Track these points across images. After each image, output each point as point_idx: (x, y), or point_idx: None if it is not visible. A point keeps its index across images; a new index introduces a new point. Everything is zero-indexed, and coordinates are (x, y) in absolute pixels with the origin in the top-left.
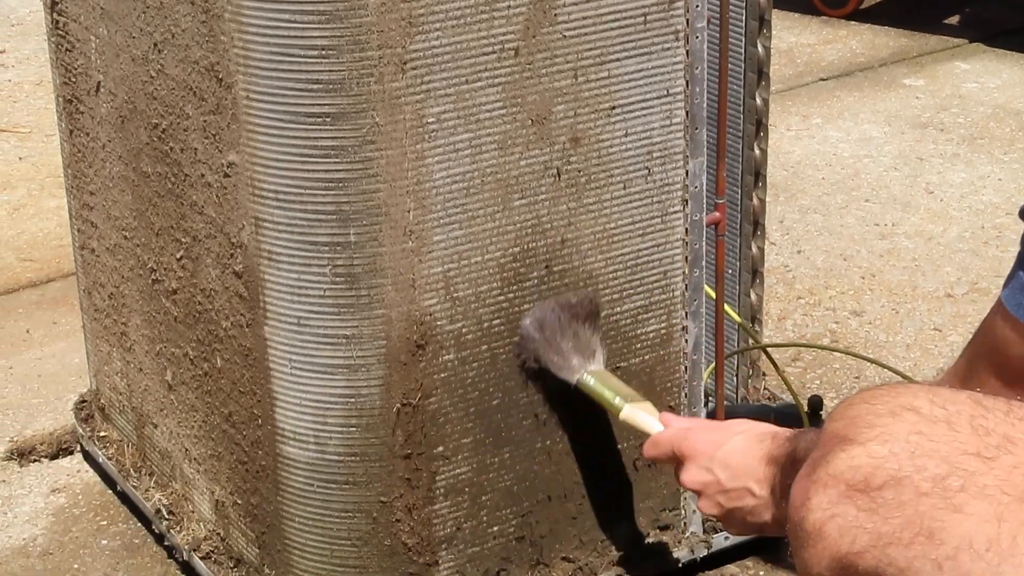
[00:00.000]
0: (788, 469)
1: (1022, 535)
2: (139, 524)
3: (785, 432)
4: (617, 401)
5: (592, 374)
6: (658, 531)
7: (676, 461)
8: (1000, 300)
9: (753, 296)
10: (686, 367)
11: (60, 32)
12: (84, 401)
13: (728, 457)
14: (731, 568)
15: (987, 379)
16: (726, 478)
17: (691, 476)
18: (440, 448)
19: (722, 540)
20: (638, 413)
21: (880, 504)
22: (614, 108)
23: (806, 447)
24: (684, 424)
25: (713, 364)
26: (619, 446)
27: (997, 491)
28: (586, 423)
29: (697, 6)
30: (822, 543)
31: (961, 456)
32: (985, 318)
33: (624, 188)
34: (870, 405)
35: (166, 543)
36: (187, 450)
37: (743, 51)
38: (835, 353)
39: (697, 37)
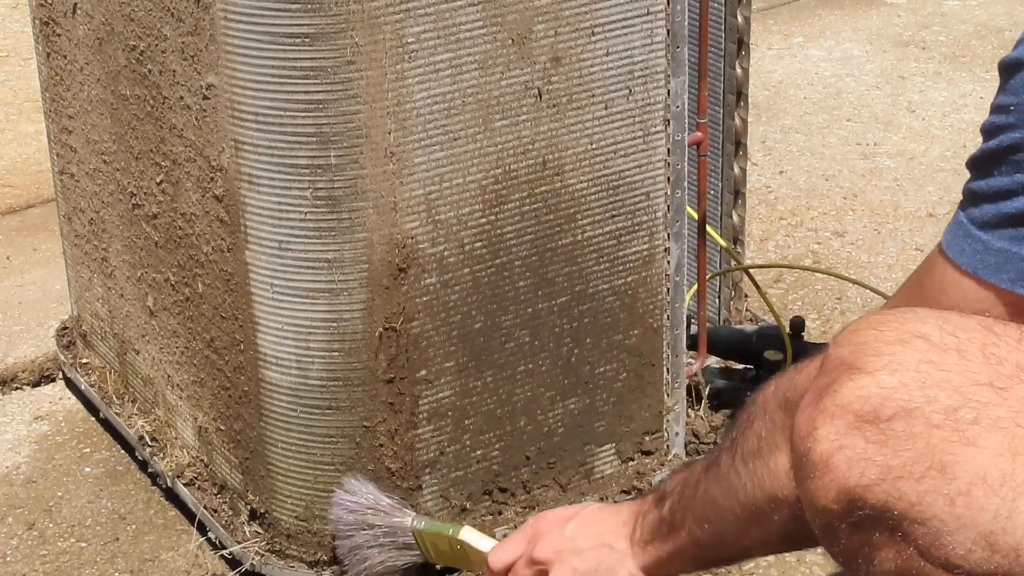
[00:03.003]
0: (653, 507)
1: None
2: (122, 451)
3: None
4: (452, 529)
5: (421, 519)
6: (640, 455)
7: (529, 546)
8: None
9: (735, 217)
10: (668, 289)
11: None
12: (65, 328)
13: (584, 520)
14: None
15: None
16: (582, 539)
17: (545, 546)
18: (423, 372)
19: None
20: (477, 534)
21: (890, 436)
22: (595, 27)
23: (674, 485)
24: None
25: (695, 286)
26: (602, 370)
27: (1011, 423)
28: (569, 348)
29: None
30: (829, 475)
31: (973, 387)
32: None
33: (606, 108)
34: (878, 331)
35: (149, 470)
36: (169, 376)
37: None
38: (817, 274)
39: None
